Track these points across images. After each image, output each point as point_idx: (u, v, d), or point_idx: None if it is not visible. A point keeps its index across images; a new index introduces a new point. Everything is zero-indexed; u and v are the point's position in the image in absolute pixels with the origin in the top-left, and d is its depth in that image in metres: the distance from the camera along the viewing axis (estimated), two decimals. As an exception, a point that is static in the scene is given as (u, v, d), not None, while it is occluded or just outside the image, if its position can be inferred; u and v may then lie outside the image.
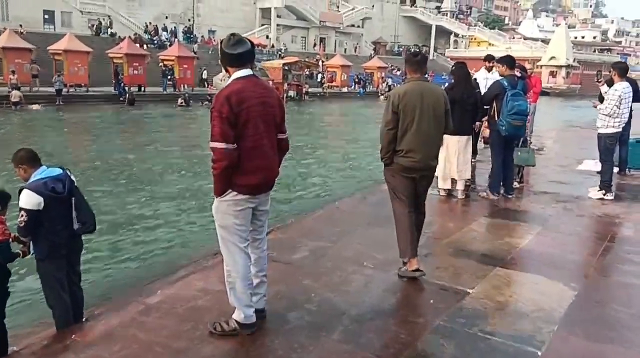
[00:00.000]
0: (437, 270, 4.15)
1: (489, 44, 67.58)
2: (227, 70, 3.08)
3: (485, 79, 7.55)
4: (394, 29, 70.18)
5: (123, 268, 5.85)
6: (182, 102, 27.45)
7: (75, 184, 3.62)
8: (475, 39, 71.78)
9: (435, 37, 70.24)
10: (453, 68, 6.69)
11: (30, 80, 25.25)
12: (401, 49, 65.42)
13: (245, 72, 3.00)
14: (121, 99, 26.80)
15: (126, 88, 26.93)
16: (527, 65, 10.47)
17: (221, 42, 3.08)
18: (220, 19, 51.27)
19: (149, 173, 11.25)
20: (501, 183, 6.59)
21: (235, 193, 2.95)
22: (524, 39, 73.78)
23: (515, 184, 7.25)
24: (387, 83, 44.22)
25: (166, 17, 48.21)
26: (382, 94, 41.48)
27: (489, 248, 4.69)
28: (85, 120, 21.41)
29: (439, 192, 6.70)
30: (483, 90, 6.90)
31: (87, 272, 5.22)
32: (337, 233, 5.06)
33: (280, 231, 5.20)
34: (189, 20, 50.00)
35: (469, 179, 6.67)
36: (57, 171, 3.57)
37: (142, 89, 29.76)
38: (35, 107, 22.56)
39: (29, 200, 3.32)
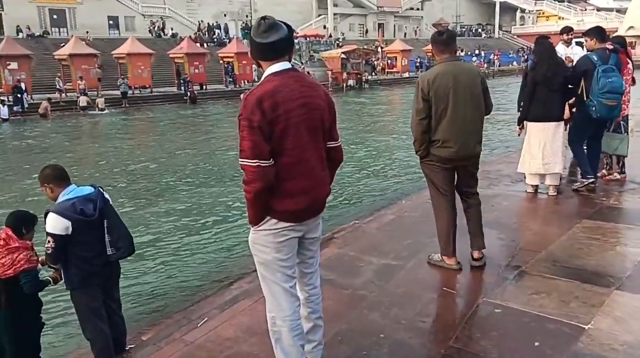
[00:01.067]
0: (536, 296, 3.31)
1: (559, 18, 63.43)
2: (259, 65, 2.38)
3: (564, 55, 6.52)
4: (455, 9, 67.31)
5: (173, 275, 5.46)
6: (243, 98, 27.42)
7: (110, 203, 3.16)
8: (543, 13, 67.59)
9: (500, 14, 66.69)
10: (535, 45, 5.74)
11: (97, 84, 25.96)
12: (464, 29, 62.69)
13: (282, 65, 2.30)
14: (185, 97, 27.08)
15: (188, 87, 27.12)
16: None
17: (249, 30, 2.41)
18: (277, 12, 50.90)
19: (210, 172, 11.02)
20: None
21: (275, 220, 2.30)
22: (597, 10, 68.76)
23: (616, 176, 6.20)
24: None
25: (224, 15, 48.62)
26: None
27: (600, 264, 3.77)
28: (149, 120, 21.74)
29: (525, 189, 5.81)
30: None
31: (128, 287, 4.85)
32: (407, 247, 4.30)
33: (337, 244, 4.50)
34: (247, 16, 50.19)
35: (560, 173, 5.70)
36: (88, 190, 3.14)
37: (204, 87, 29.99)
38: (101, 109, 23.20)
39: (55, 224, 2.94)
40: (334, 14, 52.86)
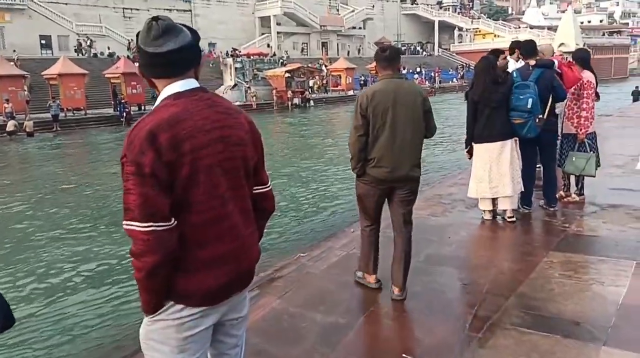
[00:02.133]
0: (513, 360, 2.76)
1: (495, 36, 65.99)
2: (151, 84, 1.70)
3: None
4: (396, 28, 68.76)
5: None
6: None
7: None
8: (480, 31, 70.09)
9: (439, 32, 68.69)
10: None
11: (25, 107, 24.25)
12: (405, 48, 63.97)
13: (187, 84, 1.65)
14: (121, 119, 25.76)
15: (124, 108, 25.83)
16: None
17: (137, 36, 1.74)
18: (220, 31, 50.34)
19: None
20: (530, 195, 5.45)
21: (181, 306, 1.61)
22: (530, 28, 72.00)
23: (574, 197, 5.86)
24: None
25: (164, 33, 47.47)
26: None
27: (579, 310, 3.25)
28: (80, 145, 20.38)
29: (482, 215, 5.35)
30: None
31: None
32: (356, 296, 3.70)
33: (277, 291, 3.81)
34: (188, 34, 49.19)
35: (512, 195, 5.24)
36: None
37: (143, 107, 28.71)
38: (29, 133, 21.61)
39: None
40: (278, 33, 52.65)
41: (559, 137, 5.70)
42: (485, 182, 5.09)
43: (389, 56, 3.43)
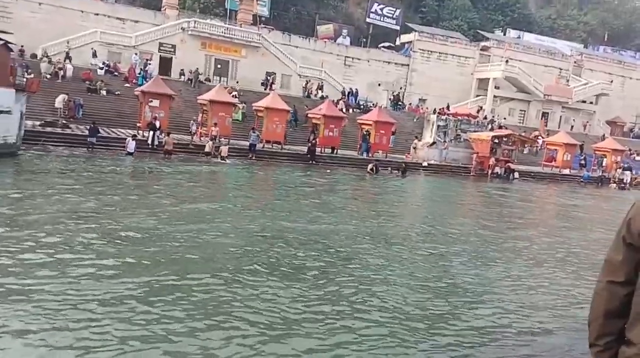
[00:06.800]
0: None
1: None
2: None
3: None
4: (636, 109, 59.68)
5: None
6: (371, 169, 25.49)
7: None
8: None
9: (694, 120, 57.53)
10: None
11: (229, 133, 25.86)
12: (644, 132, 55.00)
13: None
14: (311, 161, 25.91)
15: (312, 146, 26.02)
16: None
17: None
18: (433, 88, 49.42)
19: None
20: None
21: None
22: None
23: None
24: (624, 169, 36.29)
25: (379, 85, 48.22)
26: (615, 182, 34.01)
27: None
28: (270, 177, 20.67)
29: None
30: None
31: None
32: None
33: None
34: (401, 88, 49.28)
35: None
36: None
37: (335, 151, 28.68)
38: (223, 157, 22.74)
39: None
40: (494, 96, 49.56)
41: None
42: None
43: None
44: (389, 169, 26.61)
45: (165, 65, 37.59)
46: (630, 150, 43.15)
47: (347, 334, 5.81)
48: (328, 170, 23.98)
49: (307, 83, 42.37)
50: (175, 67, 38.05)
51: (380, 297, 7.09)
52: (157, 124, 22.64)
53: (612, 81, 56.33)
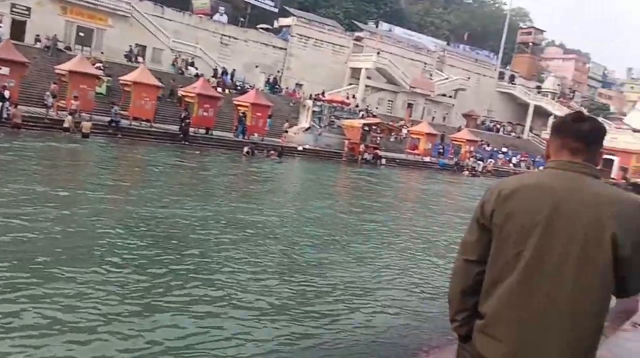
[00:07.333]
0: None
1: (593, 132, 61.71)
2: None
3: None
4: (487, 103, 66.18)
5: None
6: (247, 152, 25.22)
7: None
8: (577, 124, 65.91)
9: (533, 117, 65.31)
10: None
11: (92, 107, 23.86)
12: (492, 125, 61.17)
13: None
14: (184, 141, 24.92)
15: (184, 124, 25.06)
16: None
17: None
18: (310, 73, 50.14)
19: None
20: None
21: None
22: (633, 131, 66.99)
23: None
24: (476, 158, 40.14)
25: (256, 67, 47.70)
26: (468, 170, 37.45)
27: None
28: (130, 158, 19.37)
29: None
30: None
31: None
32: None
33: None
34: (278, 71, 49.28)
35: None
36: None
37: (210, 132, 27.90)
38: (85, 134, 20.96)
39: None
40: (366, 86, 51.67)
41: None
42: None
43: (586, 132, 1.84)
44: (265, 152, 26.57)
45: (18, 29, 33.56)
46: (482, 141, 47.82)
47: (173, 329, 5.24)
48: (197, 151, 23.25)
49: (176, 58, 40.54)
50: (30, 32, 34.19)
51: (219, 286, 6.65)
52: (7, 94, 20.16)
53: (469, 77, 61.65)
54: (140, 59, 37.18)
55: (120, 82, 26.17)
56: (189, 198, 12.15)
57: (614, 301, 1.72)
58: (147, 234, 8.56)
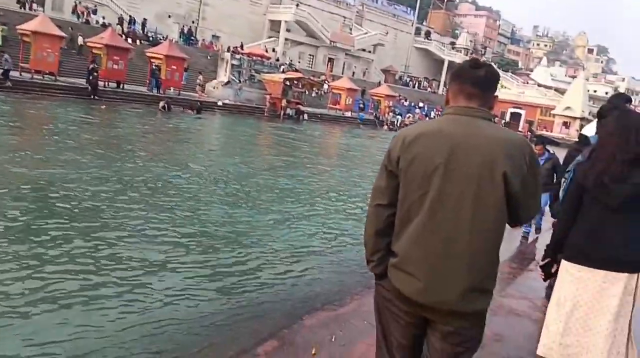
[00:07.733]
0: None
1: (502, 86, 64.94)
2: None
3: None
4: (405, 59, 67.43)
5: None
6: (163, 107, 24.04)
7: None
8: (488, 79, 69.06)
9: (447, 72, 67.49)
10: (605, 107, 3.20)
11: (-14, 59, 21.60)
12: (409, 80, 62.65)
13: None
14: (93, 96, 23.28)
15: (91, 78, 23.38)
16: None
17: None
18: (227, 25, 48.26)
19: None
20: None
21: None
22: (538, 86, 71.35)
23: None
24: (395, 113, 41.03)
25: (169, 17, 45.12)
26: (387, 124, 38.26)
27: None
28: (31, 115, 17.79)
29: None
30: None
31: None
32: None
33: None
34: (193, 22, 46.95)
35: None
36: None
37: (121, 86, 26.26)
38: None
39: None
40: (285, 39, 50.67)
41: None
42: (555, 333, 2.82)
43: (482, 78, 1.93)
44: (182, 107, 25.49)
45: None
46: (400, 96, 48.86)
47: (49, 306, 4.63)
48: (103, 106, 21.82)
49: (76, 5, 37.41)
50: None
51: (111, 245, 6.14)
52: None
53: (387, 33, 62.25)
54: (35, 5, 33.89)
55: (19, 31, 23.72)
56: (88, 158, 11.01)
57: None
58: (30, 198, 7.68)
